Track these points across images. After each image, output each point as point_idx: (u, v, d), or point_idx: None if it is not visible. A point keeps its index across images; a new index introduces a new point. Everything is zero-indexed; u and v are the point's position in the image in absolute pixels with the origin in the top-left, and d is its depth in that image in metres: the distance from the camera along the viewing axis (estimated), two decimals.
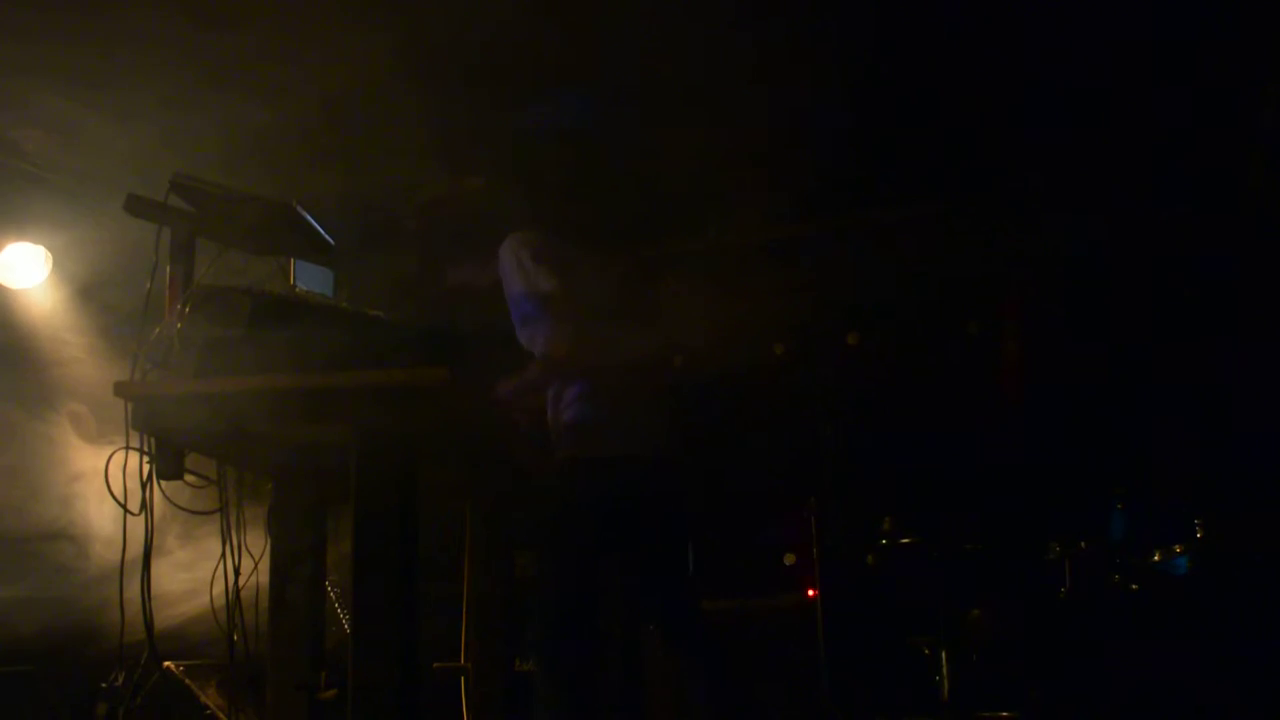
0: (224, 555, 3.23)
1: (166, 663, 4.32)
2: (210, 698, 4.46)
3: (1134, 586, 4.75)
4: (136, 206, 3.14)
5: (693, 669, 3.54)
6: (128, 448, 2.97)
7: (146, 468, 2.98)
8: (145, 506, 2.99)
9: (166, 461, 2.99)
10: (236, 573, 3.25)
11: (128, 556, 2.99)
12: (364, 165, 4.95)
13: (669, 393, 3.67)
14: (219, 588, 3.25)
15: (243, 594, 3.26)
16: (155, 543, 3.00)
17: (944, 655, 5.00)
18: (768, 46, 4.66)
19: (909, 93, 5.07)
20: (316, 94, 4.55)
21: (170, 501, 3.08)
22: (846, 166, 5.58)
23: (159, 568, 3.05)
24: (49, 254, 5.61)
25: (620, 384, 3.50)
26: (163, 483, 3.01)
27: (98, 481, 3.02)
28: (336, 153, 4.94)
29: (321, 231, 3.23)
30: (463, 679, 3.75)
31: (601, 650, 3.79)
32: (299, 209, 3.14)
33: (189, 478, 3.08)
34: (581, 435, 3.49)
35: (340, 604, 5.14)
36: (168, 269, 3.08)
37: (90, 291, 5.70)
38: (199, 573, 3.85)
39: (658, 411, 3.59)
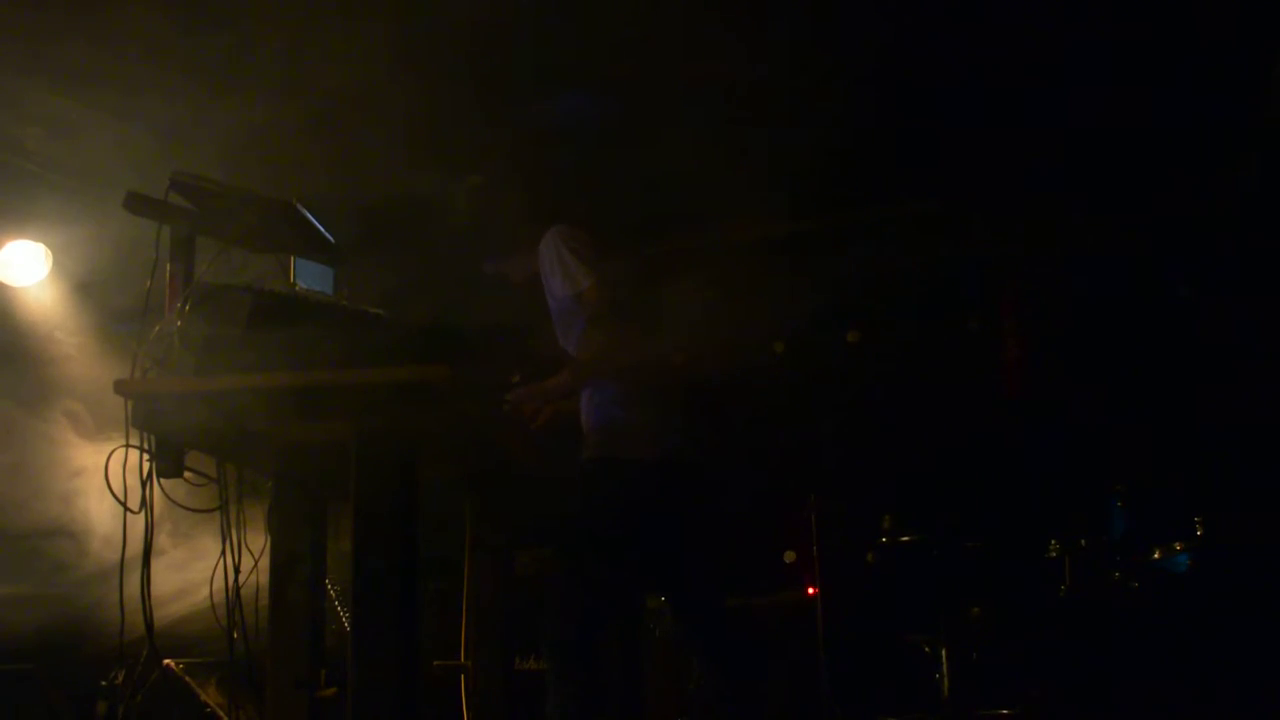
0: (224, 553, 3.23)
1: (166, 660, 4.32)
2: (210, 695, 4.46)
3: (1134, 584, 4.75)
4: (136, 204, 3.13)
5: (711, 670, 3.55)
6: (127, 445, 2.96)
7: (146, 465, 2.98)
8: (145, 504, 2.99)
9: (166, 459, 2.99)
10: (236, 571, 3.24)
11: (127, 554, 2.99)
12: (364, 163, 4.95)
13: (686, 394, 3.68)
14: (218, 586, 3.24)
15: (242, 592, 3.26)
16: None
17: (944, 653, 5.00)
18: (769, 44, 4.66)
19: (910, 91, 5.07)
20: (318, 92, 4.55)
21: (170, 499, 3.08)
22: (848, 164, 5.58)
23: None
24: (49, 252, 5.61)
25: (647, 386, 3.51)
26: (162, 480, 3.01)
27: (98, 479, 3.02)
28: (337, 150, 4.94)
29: (322, 229, 3.22)
30: (462, 677, 3.75)
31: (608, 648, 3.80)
32: (299, 207, 3.14)
33: (189, 475, 3.08)
34: (610, 437, 3.49)
35: (340, 602, 5.14)
36: (168, 267, 3.08)
37: (90, 289, 5.70)
38: (190, 573, 3.85)
39: (679, 413, 3.60)
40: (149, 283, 3.07)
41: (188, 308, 2.96)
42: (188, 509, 3.20)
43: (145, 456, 2.98)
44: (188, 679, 4.46)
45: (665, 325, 3.71)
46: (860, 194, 6.01)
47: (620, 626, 4.43)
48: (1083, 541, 4.86)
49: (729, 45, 4.60)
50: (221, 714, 4.39)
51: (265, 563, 3.28)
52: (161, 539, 3.98)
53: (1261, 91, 4.94)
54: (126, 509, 2.97)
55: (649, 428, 3.49)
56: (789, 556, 5.91)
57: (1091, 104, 5.06)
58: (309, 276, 3.63)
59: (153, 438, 2.98)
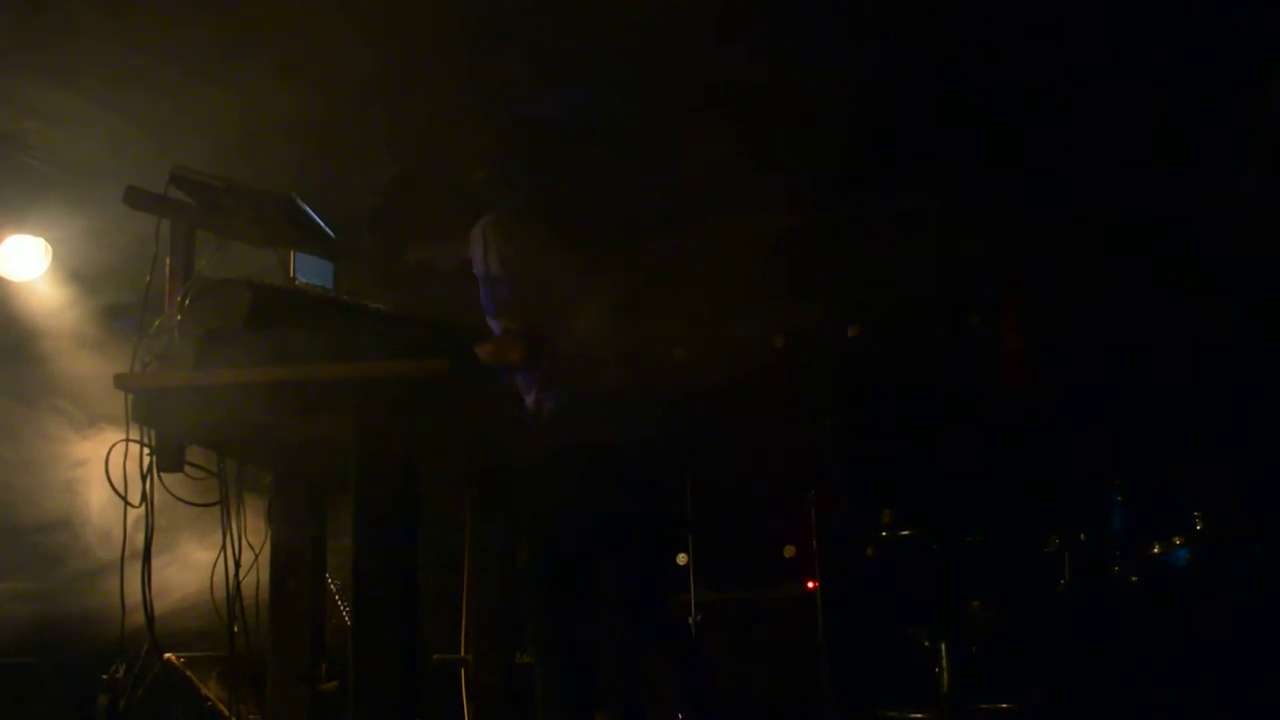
0: (224, 547, 3.24)
1: (167, 654, 4.32)
2: (211, 689, 4.47)
3: (1133, 578, 4.75)
4: (136, 199, 3.14)
5: (663, 661, 3.58)
6: (128, 440, 2.97)
7: (147, 460, 2.98)
8: (146, 499, 2.99)
9: (166, 454, 2.99)
10: (237, 565, 3.25)
11: (127, 550, 2.99)
12: (364, 157, 4.94)
13: (658, 385, 3.69)
14: (219, 580, 3.25)
15: (243, 586, 3.27)
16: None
17: (943, 647, 5.00)
18: (768, 39, 4.66)
19: (911, 86, 5.06)
20: (319, 85, 4.55)
21: (170, 494, 3.08)
22: (848, 160, 5.58)
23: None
24: (49, 246, 5.61)
25: (603, 376, 3.53)
26: (162, 475, 3.01)
27: (99, 473, 3.02)
28: (337, 145, 4.93)
29: (322, 224, 3.23)
30: (463, 671, 3.75)
31: (600, 639, 3.80)
32: (299, 202, 3.14)
33: (188, 470, 3.08)
34: (558, 424, 3.51)
35: (340, 596, 5.14)
36: (167, 261, 3.08)
37: (90, 284, 5.70)
38: (172, 573, 3.86)
39: (643, 404, 3.60)
40: (149, 277, 3.07)
41: (187, 302, 2.96)
42: (188, 503, 3.21)
43: (145, 451, 2.98)
44: (188, 672, 4.47)
45: (656, 321, 3.72)
46: (861, 190, 6.00)
47: (620, 618, 4.44)
48: (1082, 535, 4.86)
49: (729, 39, 4.60)
50: (222, 707, 4.39)
51: (265, 557, 3.29)
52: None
53: (1262, 90, 4.94)
54: (127, 503, 2.98)
55: (595, 416, 3.51)
56: (789, 551, 5.91)
57: (1092, 102, 5.06)
58: (309, 271, 3.63)
59: (153, 432, 2.98)
